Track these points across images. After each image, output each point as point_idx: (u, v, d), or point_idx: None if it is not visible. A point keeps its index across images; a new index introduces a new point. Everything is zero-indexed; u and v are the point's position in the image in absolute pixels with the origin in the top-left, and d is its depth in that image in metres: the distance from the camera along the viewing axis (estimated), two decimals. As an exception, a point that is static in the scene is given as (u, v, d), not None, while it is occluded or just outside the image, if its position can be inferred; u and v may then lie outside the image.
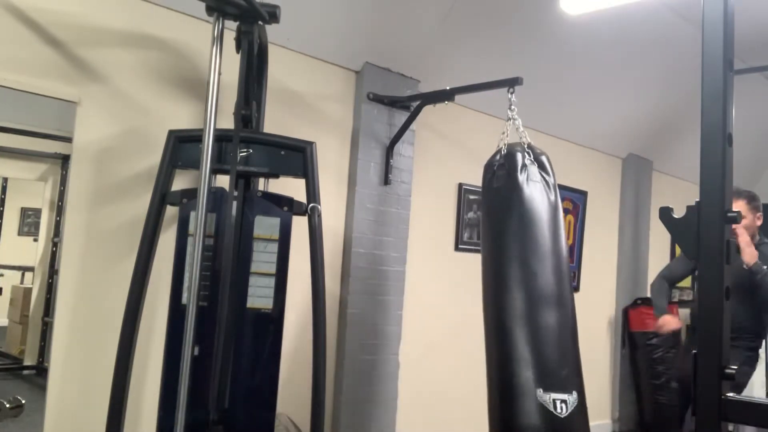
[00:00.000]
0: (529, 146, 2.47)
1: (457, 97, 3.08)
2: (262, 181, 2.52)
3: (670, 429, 4.50)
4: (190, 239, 2.16)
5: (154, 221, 2.15)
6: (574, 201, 4.78)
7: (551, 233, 2.41)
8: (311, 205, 2.25)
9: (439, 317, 3.75)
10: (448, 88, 3.05)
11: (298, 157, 2.28)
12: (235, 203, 2.19)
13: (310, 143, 2.30)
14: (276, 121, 2.77)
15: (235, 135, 2.09)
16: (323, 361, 2.21)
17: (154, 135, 2.50)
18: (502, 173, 2.44)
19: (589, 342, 4.66)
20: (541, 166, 2.47)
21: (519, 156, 2.43)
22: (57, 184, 2.70)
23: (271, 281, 2.24)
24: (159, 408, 2.12)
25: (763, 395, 4.55)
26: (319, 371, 2.20)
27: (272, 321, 2.24)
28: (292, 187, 2.45)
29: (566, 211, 4.70)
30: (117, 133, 2.51)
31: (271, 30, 2.25)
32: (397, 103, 3.40)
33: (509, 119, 2.56)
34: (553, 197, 2.45)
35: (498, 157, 2.49)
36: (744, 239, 2.80)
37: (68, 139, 2.42)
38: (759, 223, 2.99)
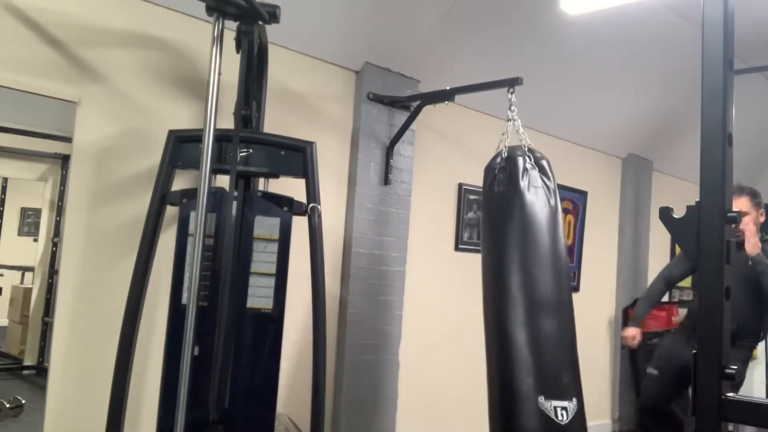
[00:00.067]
0: (530, 150, 2.47)
1: (457, 97, 3.08)
2: (262, 181, 2.52)
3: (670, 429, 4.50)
4: (190, 239, 2.16)
5: (154, 221, 2.15)
6: (574, 201, 4.78)
7: (552, 239, 2.42)
8: (311, 205, 2.25)
9: (439, 317, 3.75)
10: (448, 88, 3.05)
11: (298, 157, 2.28)
12: (235, 203, 2.19)
13: (310, 143, 2.30)
14: (276, 121, 2.77)
15: (235, 135, 2.09)
16: (323, 361, 2.21)
17: (154, 135, 2.50)
18: (503, 177, 2.44)
19: (589, 342, 4.67)
20: (542, 171, 2.47)
21: (520, 160, 2.43)
22: (57, 184, 2.71)
23: (271, 281, 2.24)
24: (159, 408, 2.12)
25: (763, 395, 4.56)
26: (319, 371, 2.20)
27: (272, 321, 2.24)
28: (292, 187, 2.45)
29: (566, 211, 4.71)
30: (117, 133, 2.51)
31: (271, 30, 2.25)
32: (397, 103, 3.40)
33: (509, 120, 2.56)
34: (553, 202, 2.46)
35: (499, 159, 2.49)
36: (750, 229, 2.79)
37: (68, 139, 2.42)
38: (762, 219, 2.98)
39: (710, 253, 1.13)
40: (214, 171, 2.14)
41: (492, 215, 2.48)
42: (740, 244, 2.76)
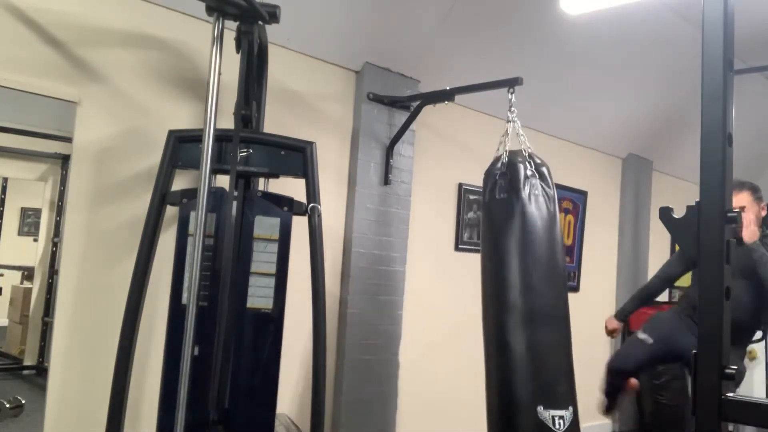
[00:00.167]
0: (530, 156, 2.48)
1: (457, 97, 3.08)
2: (262, 181, 2.52)
3: (670, 429, 4.50)
4: (190, 239, 2.16)
5: (154, 221, 2.15)
6: (574, 201, 4.78)
7: (551, 247, 2.44)
8: (311, 205, 2.25)
9: (439, 317, 3.75)
10: (448, 88, 3.05)
11: (298, 157, 2.29)
12: (235, 203, 2.19)
13: (310, 143, 2.30)
14: (276, 121, 2.77)
15: (235, 135, 2.09)
16: (323, 361, 2.21)
17: (154, 135, 2.50)
18: (504, 184, 2.45)
19: (589, 342, 4.66)
20: (543, 178, 2.47)
21: (521, 167, 2.44)
22: (57, 184, 2.71)
23: (271, 281, 2.24)
24: (159, 408, 2.12)
25: (763, 395, 4.55)
26: (319, 371, 2.20)
27: (272, 321, 2.24)
28: (292, 187, 2.45)
29: (566, 211, 4.71)
30: (117, 133, 2.51)
31: (271, 30, 2.25)
32: (397, 103, 3.40)
33: (509, 121, 2.56)
34: (552, 210, 2.48)
35: (499, 165, 2.49)
36: (747, 217, 2.77)
37: (68, 139, 2.42)
38: (763, 214, 2.97)
39: (710, 253, 1.13)
40: (214, 171, 2.14)
41: (492, 223, 2.49)
42: (739, 241, 2.74)
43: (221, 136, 2.11)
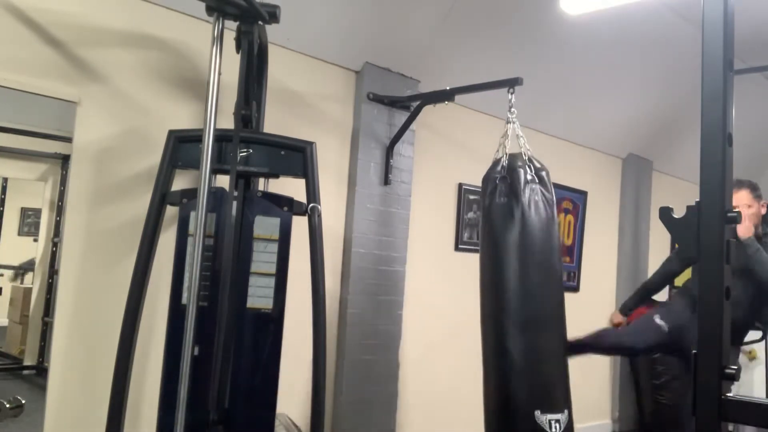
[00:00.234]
0: (530, 160, 2.48)
1: (457, 97, 3.08)
2: (262, 181, 2.52)
3: (670, 429, 4.50)
4: (190, 239, 2.16)
5: (154, 221, 2.15)
6: (574, 201, 4.78)
7: (550, 253, 2.47)
8: (311, 205, 2.25)
9: (439, 317, 3.75)
10: (448, 88, 3.05)
11: (298, 157, 2.28)
12: (235, 203, 2.19)
13: (310, 143, 2.30)
14: (276, 121, 2.77)
15: (235, 135, 2.09)
16: (323, 361, 2.21)
17: (154, 135, 2.50)
18: (504, 188, 2.46)
19: (589, 342, 4.66)
20: (542, 183, 2.48)
21: (521, 172, 2.45)
22: (57, 184, 2.71)
23: (271, 281, 2.24)
24: (159, 408, 2.12)
25: (764, 395, 4.56)
26: (319, 371, 2.20)
27: (272, 321, 2.24)
28: (292, 187, 2.45)
29: (566, 211, 4.71)
30: (117, 133, 2.51)
31: (271, 30, 2.25)
32: (397, 103, 3.40)
33: (509, 122, 2.56)
34: (551, 214, 2.50)
35: (499, 168, 2.50)
36: (743, 213, 2.77)
37: (68, 139, 2.42)
38: (763, 211, 2.97)
39: (710, 253, 1.13)
40: (214, 171, 2.14)
41: (492, 227, 2.50)
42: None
43: (221, 136, 2.10)
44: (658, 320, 2.96)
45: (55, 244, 2.72)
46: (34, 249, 2.80)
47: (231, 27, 2.04)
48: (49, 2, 2.34)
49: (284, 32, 2.85)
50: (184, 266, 2.17)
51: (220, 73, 1.94)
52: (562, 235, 4.70)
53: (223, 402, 2.13)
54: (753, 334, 3.46)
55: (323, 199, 2.34)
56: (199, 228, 1.87)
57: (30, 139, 2.61)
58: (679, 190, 5.75)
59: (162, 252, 2.25)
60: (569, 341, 2.57)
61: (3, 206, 2.82)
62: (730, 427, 3.27)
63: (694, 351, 1.14)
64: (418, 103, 3.27)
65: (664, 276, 3.33)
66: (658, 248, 5.44)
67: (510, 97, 2.60)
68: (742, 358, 4.42)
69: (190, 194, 2.19)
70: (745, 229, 2.75)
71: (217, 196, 2.17)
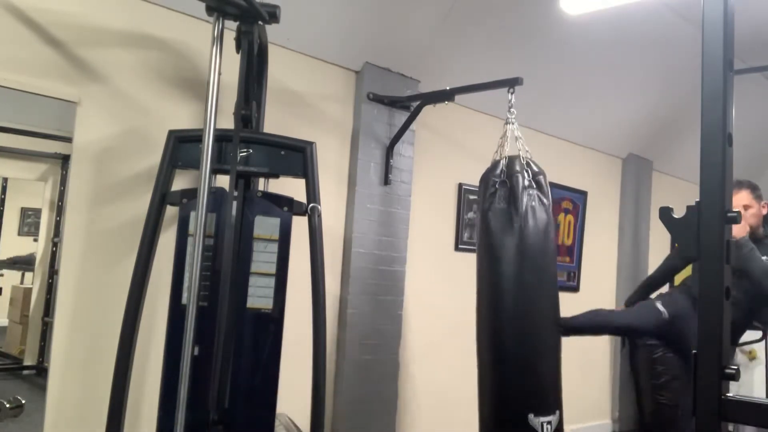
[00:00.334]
0: (528, 164, 2.49)
1: (457, 97, 3.08)
2: (262, 181, 2.52)
3: (670, 429, 4.49)
4: (190, 239, 2.16)
5: (154, 221, 2.15)
6: (574, 201, 4.78)
7: (546, 258, 2.49)
8: (311, 205, 2.25)
9: (439, 317, 3.75)
10: (448, 88, 3.05)
11: (298, 157, 2.28)
12: (235, 203, 2.19)
13: (310, 143, 2.30)
14: (276, 121, 2.77)
15: (235, 135, 2.09)
16: (323, 361, 2.21)
17: (154, 135, 2.50)
18: (502, 193, 2.47)
19: (589, 342, 4.66)
20: (540, 188, 2.50)
21: (520, 178, 2.47)
22: (57, 184, 2.71)
23: (271, 281, 2.24)
24: (159, 408, 2.12)
25: (764, 395, 4.55)
26: (319, 371, 2.20)
27: (272, 321, 2.24)
28: (292, 187, 2.45)
29: (566, 211, 4.70)
30: (117, 133, 2.51)
31: (271, 30, 2.25)
32: (397, 103, 3.40)
33: (507, 122, 2.57)
34: (548, 219, 2.52)
35: (498, 171, 2.50)
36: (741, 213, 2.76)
37: (68, 139, 2.42)
38: (764, 212, 2.96)
39: (710, 253, 1.13)
40: (214, 171, 2.14)
41: (489, 232, 2.51)
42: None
43: (221, 136, 2.10)
44: (659, 306, 2.93)
45: (55, 244, 2.72)
46: (34, 249, 2.80)
47: (231, 27, 2.04)
48: (49, 2, 2.34)
49: (284, 32, 2.85)
50: (184, 266, 2.17)
51: (220, 73, 1.94)
52: (562, 235, 4.70)
53: (223, 402, 2.13)
54: (753, 334, 3.45)
55: (323, 199, 2.34)
56: (199, 228, 1.87)
57: (30, 139, 2.61)
58: (679, 190, 5.74)
59: (162, 252, 2.25)
60: (563, 321, 2.59)
61: (3, 206, 2.82)
62: (730, 427, 3.26)
63: (694, 351, 1.14)
64: (418, 103, 3.27)
65: (667, 271, 3.34)
66: (658, 248, 5.44)
67: (510, 97, 2.60)
68: (743, 358, 4.41)
69: (190, 194, 2.19)
70: (739, 229, 2.74)
71: (217, 196, 2.17)
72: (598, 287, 5.00)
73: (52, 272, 2.68)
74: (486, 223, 2.53)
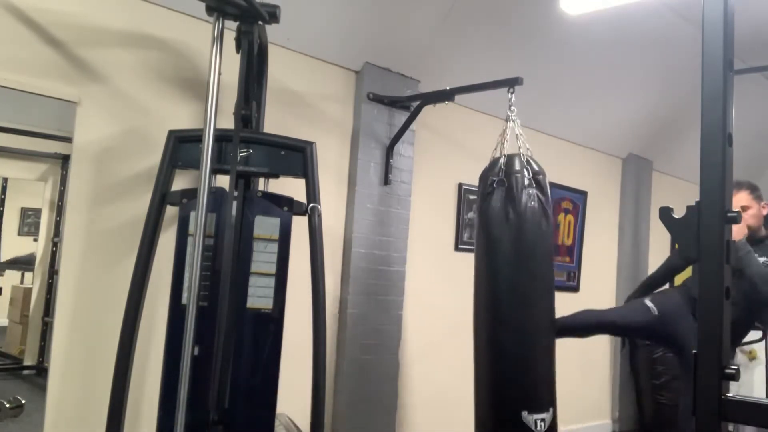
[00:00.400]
0: (528, 163, 2.49)
1: (457, 97, 3.08)
2: (262, 181, 2.52)
3: (670, 429, 4.50)
4: (190, 239, 2.16)
5: (154, 221, 2.15)
6: (574, 201, 4.78)
7: (543, 258, 2.49)
8: (311, 205, 2.25)
9: (439, 317, 3.75)
10: (448, 88, 3.05)
11: (298, 157, 2.29)
12: (235, 203, 2.19)
13: (310, 143, 2.30)
14: (276, 121, 2.77)
15: (235, 135, 2.09)
16: (323, 361, 2.21)
17: (154, 135, 2.50)
18: (502, 193, 2.48)
19: (589, 342, 4.66)
20: (539, 187, 2.50)
21: (519, 178, 2.47)
22: (57, 184, 2.71)
23: (271, 281, 2.24)
24: (159, 408, 2.12)
25: (764, 395, 4.56)
26: (319, 371, 2.20)
27: (272, 321, 2.24)
28: (292, 187, 2.45)
29: (566, 211, 4.70)
30: (117, 133, 2.51)
31: (271, 30, 2.25)
32: (397, 103, 3.40)
33: (508, 120, 2.57)
34: (547, 219, 2.52)
35: (497, 169, 2.50)
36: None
37: (68, 139, 2.42)
38: (764, 212, 2.95)
39: (710, 253, 1.13)
40: (214, 171, 2.14)
41: (488, 231, 2.52)
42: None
43: (221, 136, 2.11)
44: (647, 302, 2.93)
45: (55, 244, 2.72)
46: (34, 249, 2.80)
47: (231, 27, 2.04)
48: (49, 2, 2.34)
49: (284, 32, 2.85)
50: (184, 266, 2.17)
51: (220, 73, 1.94)
52: (562, 235, 4.70)
53: (223, 402, 2.13)
54: (753, 334, 3.46)
55: (323, 199, 2.34)
56: (199, 228, 1.87)
57: (30, 139, 2.61)
58: (679, 190, 5.75)
59: (162, 252, 2.25)
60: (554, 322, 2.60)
61: (3, 206, 2.82)
62: (730, 427, 3.26)
63: (694, 351, 1.14)
64: (418, 103, 3.27)
65: (667, 271, 3.33)
66: (658, 248, 5.44)
67: (510, 96, 2.60)
68: (743, 358, 4.41)
69: (190, 194, 2.19)
70: (738, 231, 2.74)
71: (217, 196, 2.17)
72: (598, 287, 5.00)
73: (52, 272, 2.69)
74: (483, 221, 2.53)
